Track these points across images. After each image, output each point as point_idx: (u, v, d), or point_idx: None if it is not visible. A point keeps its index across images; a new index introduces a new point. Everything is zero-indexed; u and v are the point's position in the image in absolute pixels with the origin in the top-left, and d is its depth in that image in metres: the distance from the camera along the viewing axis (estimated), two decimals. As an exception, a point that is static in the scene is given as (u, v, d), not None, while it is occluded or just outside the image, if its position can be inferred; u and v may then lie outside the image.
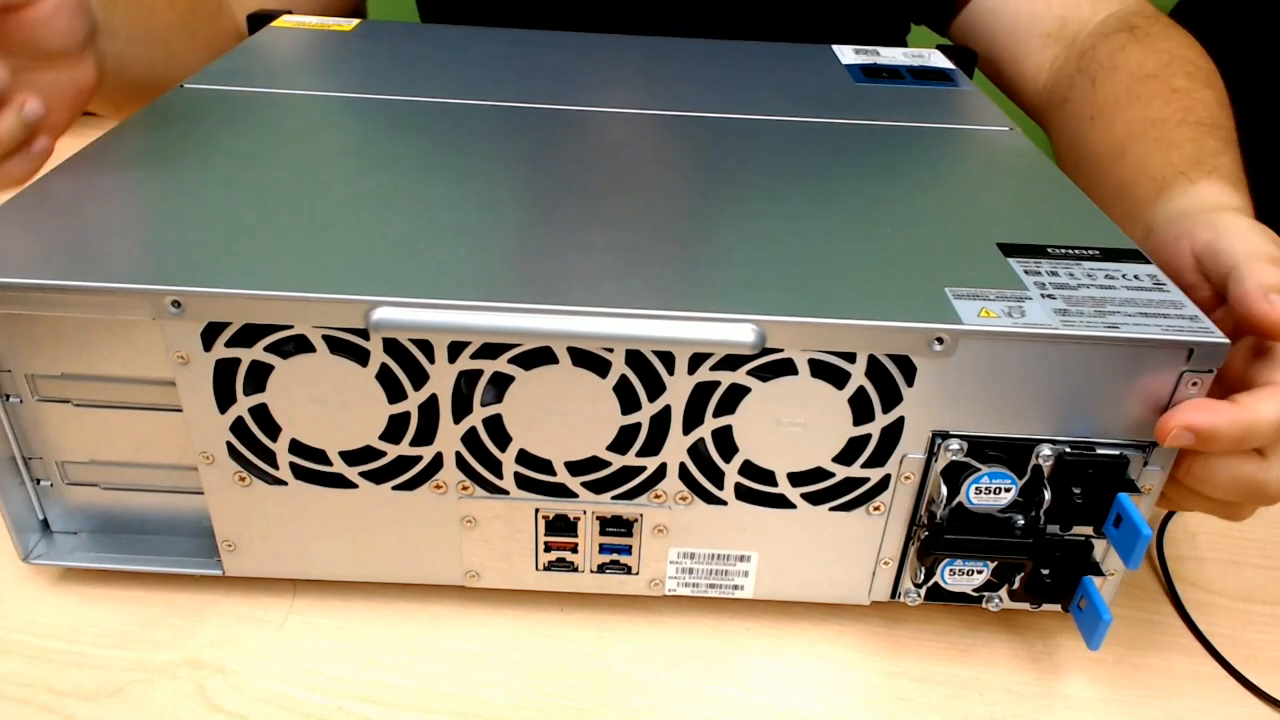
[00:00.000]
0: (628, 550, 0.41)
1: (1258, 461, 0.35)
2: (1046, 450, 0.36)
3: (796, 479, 0.38)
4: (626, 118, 0.53)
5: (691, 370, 0.36)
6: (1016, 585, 0.40)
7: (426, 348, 0.35)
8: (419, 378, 0.36)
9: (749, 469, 0.38)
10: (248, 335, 0.35)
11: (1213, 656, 0.42)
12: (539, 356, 0.36)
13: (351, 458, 0.38)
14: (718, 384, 0.36)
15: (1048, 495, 0.37)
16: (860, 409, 0.36)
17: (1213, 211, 0.43)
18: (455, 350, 0.35)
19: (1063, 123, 0.62)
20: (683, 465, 0.38)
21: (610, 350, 0.35)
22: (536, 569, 0.41)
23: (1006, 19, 0.70)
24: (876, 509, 0.39)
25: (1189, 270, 0.41)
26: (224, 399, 0.37)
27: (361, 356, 0.36)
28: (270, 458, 0.38)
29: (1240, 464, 0.35)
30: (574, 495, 0.39)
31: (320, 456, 0.38)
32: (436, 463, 0.38)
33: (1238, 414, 0.34)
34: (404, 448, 0.38)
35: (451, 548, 0.41)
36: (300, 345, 0.36)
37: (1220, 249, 0.39)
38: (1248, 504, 0.38)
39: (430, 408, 0.37)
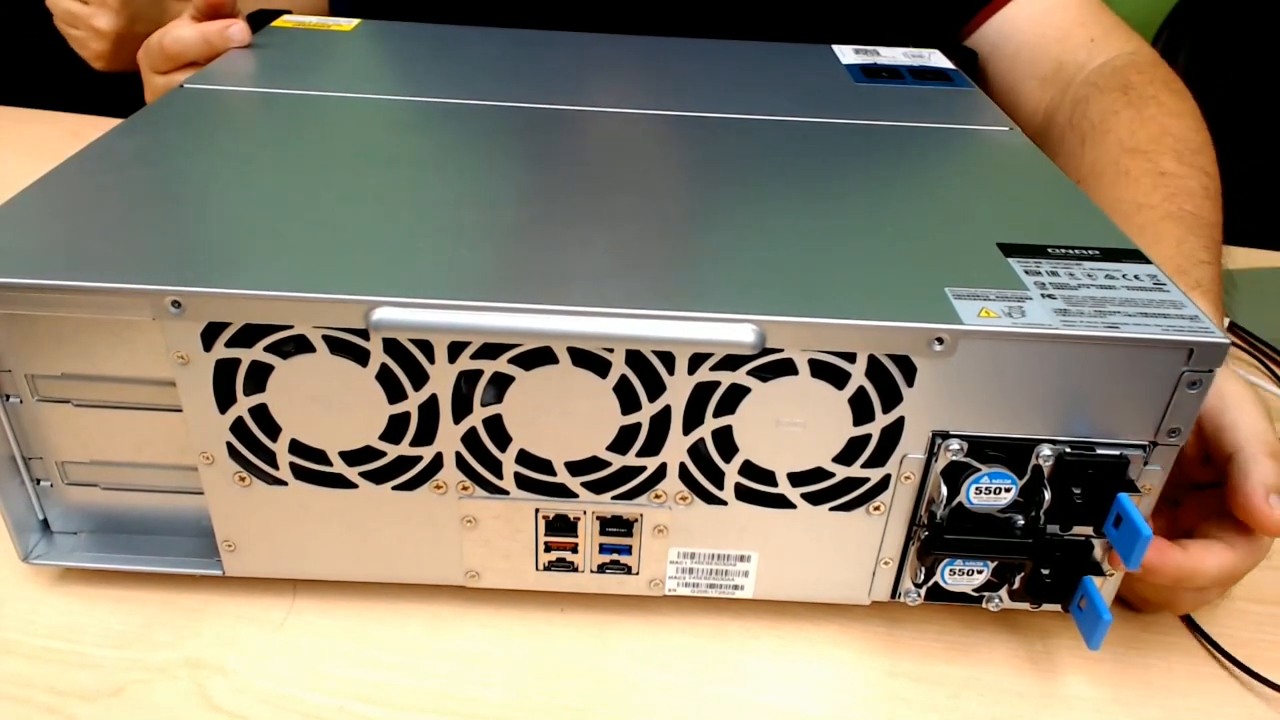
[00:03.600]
0: (628, 550, 0.41)
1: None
2: (1046, 450, 0.37)
3: (796, 479, 0.38)
4: (626, 117, 0.53)
5: (691, 370, 0.36)
6: (1016, 585, 0.40)
7: (426, 348, 0.35)
8: (419, 378, 0.36)
9: (749, 469, 0.38)
10: (248, 335, 0.35)
11: (1212, 656, 0.42)
12: (539, 356, 0.36)
13: (351, 458, 0.38)
14: (718, 384, 0.36)
15: (1048, 495, 0.37)
16: (860, 409, 0.36)
17: None
18: (455, 350, 0.35)
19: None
20: (683, 465, 0.38)
21: (610, 350, 0.35)
22: (536, 569, 0.41)
23: (1005, 59, 0.70)
24: (876, 509, 0.39)
25: None
26: (224, 399, 0.37)
27: (361, 357, 0.36)
28: (270, 458, 0.38)
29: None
30: (574, 495, 0.39)
31: (320, 457, 0.38)
32: (436, 463, 0.38)
33: (1183, 561, 0.38)
34: (404, 448, 0.38)
35: (451, 548, 0.41)
36: (300, 345, 0.36)
37: (1224, 425, 0.39)
38: (1165, 607, 0.42)
39: (430, 408, 0.37)
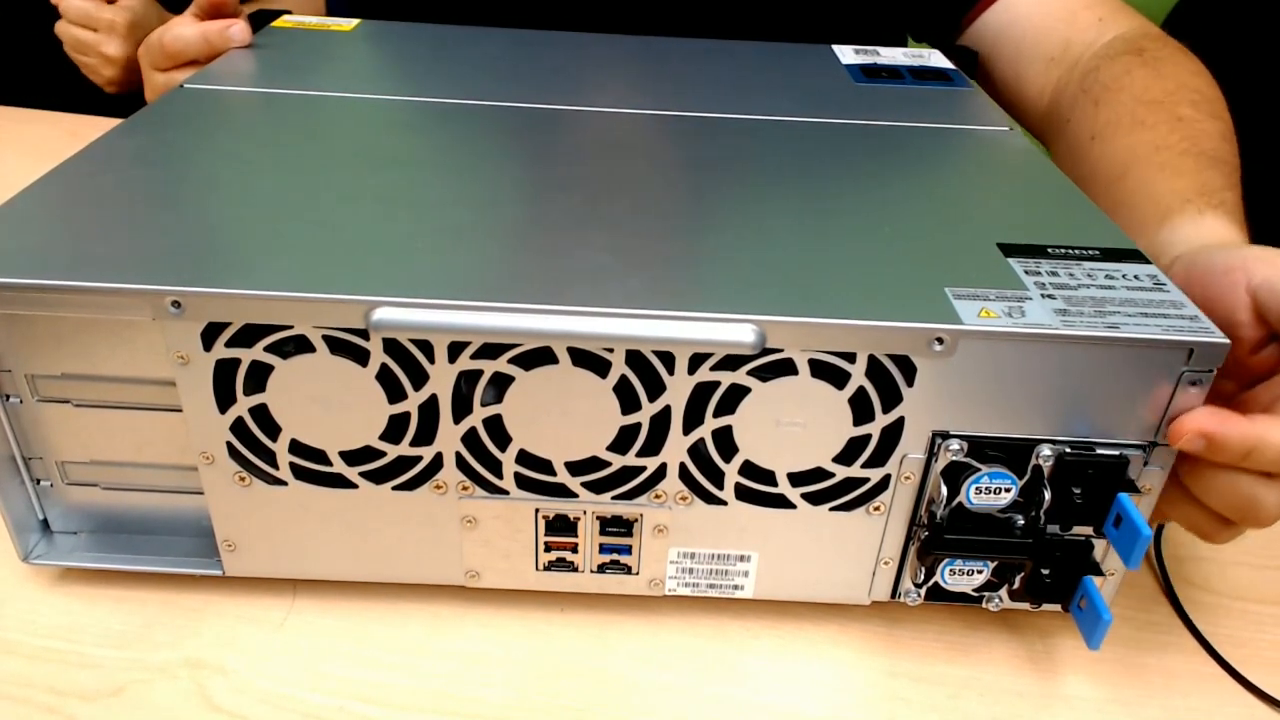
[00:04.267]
0: (628, 550, 0.41)
1: (1263, 481, 0.36)
2: (1046, 450, 0.36)
3: (796, 479, 0.38)
4: (626, 117, 0.53)
5: (691, 370, 0.36)
6: (1016, 585, 0.40)
7: (426, 348, 0.35)
8: (419, 378, 0.36)
9: (749, 469, 0.38)
10: (248, 335, 0.35)
11: (1212, 656, 0.42)
12: (539, 356, 0.36)
13: (351, 458, 0.38)
14: (718, 384, 0.36)
15: (1048, 495, 0.37)
16: (860, 409, 0.36)
17: (1251, 248, 0.41)
18: (455, 350, 0.35)
19: (1063, 142, 0.62)
20: (683, 465, 0.38)
21: (610, 350, 0.35)
22: (536, 569, 0.41)
23: (1010, 43, 0.70)
24: (876, 509, 0.39)
25: (1242, 307, 0.39)
26: (224, 399, 0.37)
27: (361, 357, 0.36)
28: (270, 458, 0.38)
29: (1245, 477, 0.36)
30: (574, 495, 0.39)
31: (320, 457, 0.38)
32: (436, 463, 0.38)
33: (1251, 429, 0.34)
34: (404, 448, 0.38)
35: (451, 548, 0.41)
36: (300, 345, 0.36)
37: None
38: (1238, 521, 0.38)
39: (430, 408, 0.37)
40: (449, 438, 0.38)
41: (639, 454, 0.38)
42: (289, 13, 0.70)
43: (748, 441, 0.37)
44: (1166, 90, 0.56)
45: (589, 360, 0.36)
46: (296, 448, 0.38)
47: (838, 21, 0.76)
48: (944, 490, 0.37)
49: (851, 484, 0.38)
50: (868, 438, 0.37)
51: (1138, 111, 0.56)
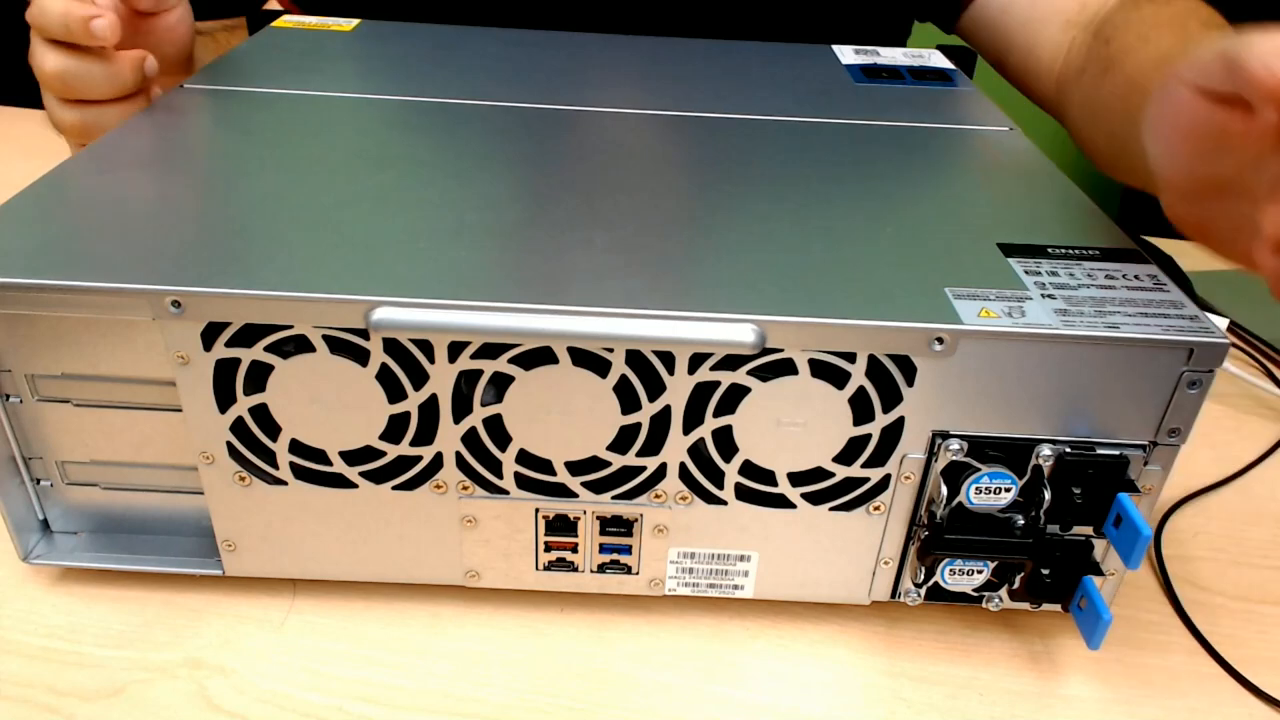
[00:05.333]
0: (628, 550, 0.41)
1: None
2: (1046, 450, 0.37)
3: (796, 479, 0.38)
4: (626, 118, 0.53)
5: (692, 370, 0.36)
6: (1016, 585, 0.40)
7: (426, 348, 0.35)
8: (419, 378, 0.36)
9: (749, 469, 0.38)
10: (248, 335, 0.35)
11: (1212, 656, 0.42)
12: (539, 356, 0.36)
13: (351, 458, 0.38)
14: (718, 384, 0.36)
15: (1048, 495, 0.37)
16: (860, 409, 0.36)
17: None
18: (455, 350, 0.35)
19: (1078, 91, 0.61)
20: (683, 465, 0.38)
21: (610, 350, 0.35)
22: (536, 569, 0.41)
23: (1021, 11, 0.69)
24: (876, 509, 0.39)
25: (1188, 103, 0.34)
26: (224, 399, 0.37)
27: (361, 356, 0.36)
28: (270, 458, 0.38)
29: None
30: (574, 495, 0.39)
31: (320, 456, 0.38)
32: (436, 463, 0.38)
33: None
34: (404, 448, 0.38)
35: (451, 548, 0.41)
36: (300, 345, 0.36)
37: (1215, 51, 0.33)
38: None
39: (430, 408, 0.37)
40: (449, 437, 0.38)
41: (639, 454, 0.38)
42: (289, 12, 0.70)
43: (748, 441, 0.37)
44: (1175, 14, 0.57)
45: (589, 360, 0.36)
46: (296, 448, 0.38)
47: (840, 13, 0.75)
48: (944, 490, 0.37)
49: (851, 484, 0.38)
50: (868, 437, 0.37)
51: (1147, 34, 0.56)
